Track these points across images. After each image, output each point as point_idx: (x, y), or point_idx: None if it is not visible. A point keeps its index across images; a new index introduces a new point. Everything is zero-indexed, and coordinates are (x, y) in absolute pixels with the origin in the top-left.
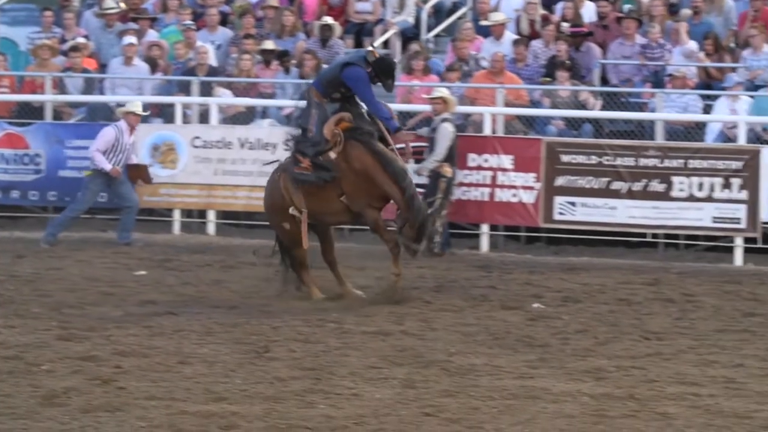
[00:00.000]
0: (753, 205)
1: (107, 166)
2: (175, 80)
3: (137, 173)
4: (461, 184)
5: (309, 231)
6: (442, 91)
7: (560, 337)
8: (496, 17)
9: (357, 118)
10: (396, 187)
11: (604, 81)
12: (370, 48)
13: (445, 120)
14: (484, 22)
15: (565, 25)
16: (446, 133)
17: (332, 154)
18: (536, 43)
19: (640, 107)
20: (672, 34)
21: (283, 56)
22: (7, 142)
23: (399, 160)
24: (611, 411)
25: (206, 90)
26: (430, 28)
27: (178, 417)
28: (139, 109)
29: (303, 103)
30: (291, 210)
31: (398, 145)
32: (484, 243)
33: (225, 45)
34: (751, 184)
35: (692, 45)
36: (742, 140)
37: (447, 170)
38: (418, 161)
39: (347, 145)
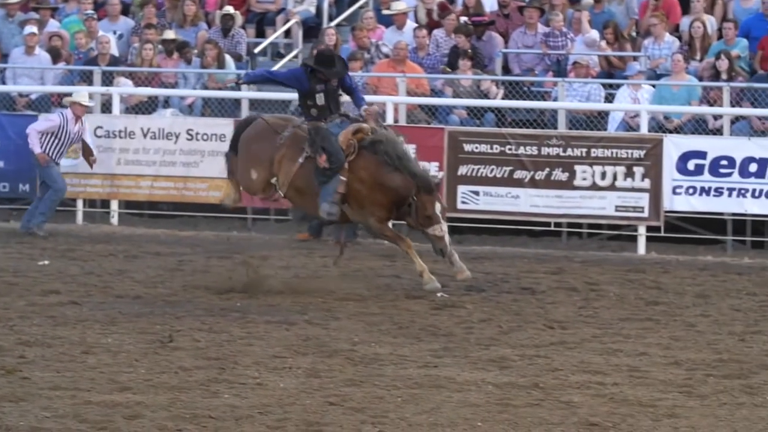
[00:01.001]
0: (656, 193)
1: (37, 149)
2: (76, 70)
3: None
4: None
5: None
6: None
7: (464, 327)
8: (398, 6)
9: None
10: (402, 176)
11: (506, 70)
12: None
13: None
14: (386, 11)
15: (463, 19)
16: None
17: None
18: (438, 33)
19: (543, 96)
20: (574, 23)
21: (182, 47)
22: None
23: (414, 160)
24: (515, 400)
25: (108, 80)
26: (331, 18)
27: (82, 407)
28: (85, 100)
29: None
30: (273, 179)
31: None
32: None
33: (127, 35)
34: (654, 173)
35: (594, 34)
36: (644, 129)
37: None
38: None
39: (357, 155)
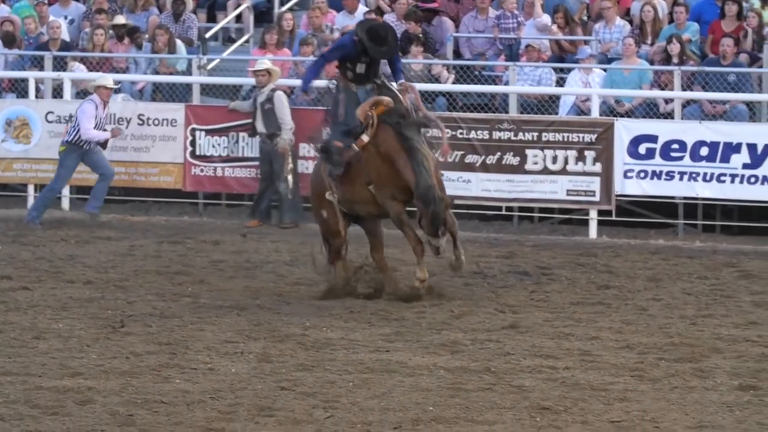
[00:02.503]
0: (607, 177)
1: (106, 134)
2: (28, 55)
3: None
4: (316, 158)
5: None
6: (267, 63)
7: (416, 311)
8: None
9: (394, 102)
10: (414, 175)
11: (457, 54)
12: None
13: (275, 90)
14: None
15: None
16: (285, 102)
17: (365, 137)
18: (389, 17)
19: (494, 80)
20: (526, 7)
21: (133, 33)
22: None
23: (425, 150)
24: (467, 384)
25: (59, 65)
26: (282, 2)
27: (33, 392)
28: (110, 83)
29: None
30: (327, 195)
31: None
32: None
33: (78, 20)
34: (605, 156)
35: (545, 18)
36: (595, 113)
37: (291, 139)
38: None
39: (378, 129)
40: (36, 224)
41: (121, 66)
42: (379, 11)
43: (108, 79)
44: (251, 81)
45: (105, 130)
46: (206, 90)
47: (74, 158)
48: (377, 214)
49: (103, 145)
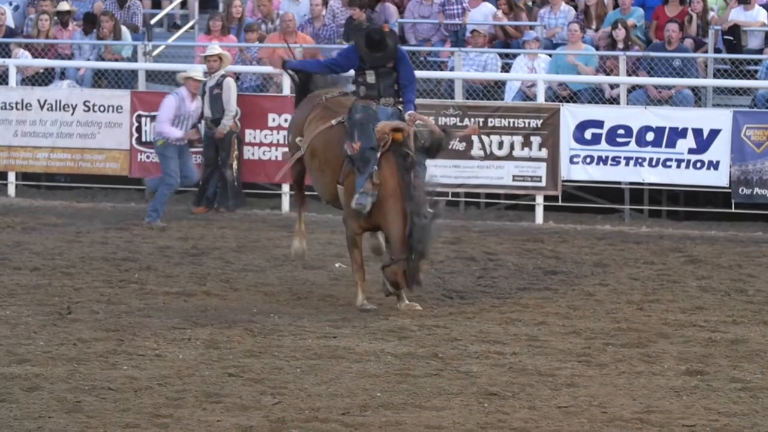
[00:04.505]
0: (553, 163)
1: (178, 133)
2: None
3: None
4: (261, 145)
5: None
6: (218, 48)
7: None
8: None
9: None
10: (402, 219)
11: (403, 40)
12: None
13: (224, 76)
14: None
15: None
16: (233, 88)
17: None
18: (334, 3)
19: (439, 66)
20: None
21: (92, 20)
22: None
23: (422, 192)
24: (415, 370)
25: (4, 51)
26: None
27: None
28: (199, 75)
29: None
30: (297, 140)
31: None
32: (285, 203)
33: (23, 6)
34: (551, 142)
35: (489, 6)
36: (540, 98)
37: (235, 125)
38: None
39: (383, 158)
40: (158, 223)
41: (66, 52)
42: None
43: (197, 70)
44: (197, 67)
45: (195, 126)
46: (152, 76)
47: (172, 150)
48: (336, 206)
49: (191, 143)
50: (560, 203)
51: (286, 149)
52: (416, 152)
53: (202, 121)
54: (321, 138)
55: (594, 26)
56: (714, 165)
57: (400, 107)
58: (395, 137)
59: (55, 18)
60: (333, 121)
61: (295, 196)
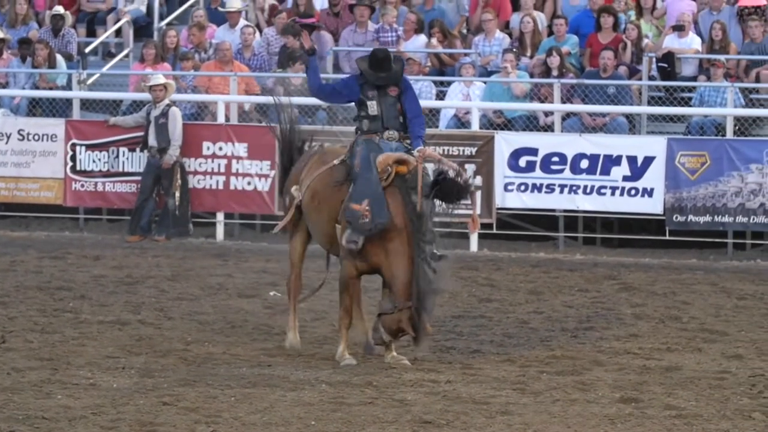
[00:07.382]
0: (488, 191)
1: None
2: None
3: None
4: (196, 173)
5: None
6: (162, 78)
7: (299, 325)
8: (232, 4)
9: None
10: (408, 261)
11: (338, 69)
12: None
13: (170, 105)
14: (221, 8)
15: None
16: (179, 117)
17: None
18: (269, 31)
19: None
20: (406, 23)
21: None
22: None
23: (431, 234)
24: (349, 398)
25: None
26: (162, 17)
27: None
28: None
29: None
30: (294, 189)
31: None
32: (220, 231)
33: None
34: (486, 170)
35: (423, 37)
36: (475, 126)
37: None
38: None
39: (387, 192)
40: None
41: (0, 81)
42: (258, 27)
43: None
44: (131, 96)
45: None
46: (86, 105)
47: None
48: (335, 253)
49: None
50: (495, 231)
51: (221, 177)
52: (425, 198)
53: (145, 150)
54: (321, 178)
55: (528, 53)
56: (648, 192)
57: (406, 143)
58: (399, 170)
59: None
60: (335, 161)
61: (292, 282)
